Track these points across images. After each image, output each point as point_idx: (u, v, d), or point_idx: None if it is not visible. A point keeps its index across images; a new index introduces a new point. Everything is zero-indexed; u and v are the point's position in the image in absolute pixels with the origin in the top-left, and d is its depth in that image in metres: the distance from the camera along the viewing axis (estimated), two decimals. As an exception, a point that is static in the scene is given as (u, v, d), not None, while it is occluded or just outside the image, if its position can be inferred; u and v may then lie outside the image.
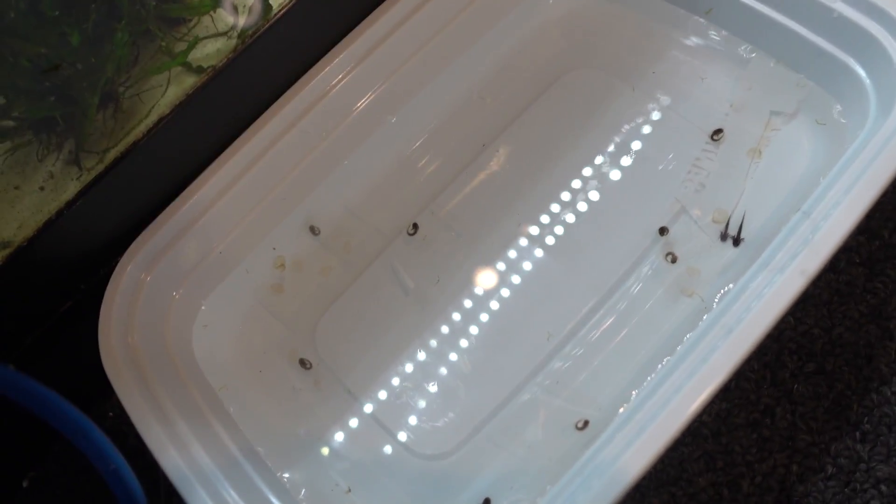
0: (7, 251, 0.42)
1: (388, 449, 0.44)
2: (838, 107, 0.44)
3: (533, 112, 0.51)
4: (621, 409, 0.41)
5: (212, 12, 0.45)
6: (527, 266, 0.47)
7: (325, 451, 0.45)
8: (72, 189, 0.42)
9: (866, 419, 0.42)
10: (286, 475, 0.43)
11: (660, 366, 0.41)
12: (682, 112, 0.49)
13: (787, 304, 0.36)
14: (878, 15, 0.41)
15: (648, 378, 0.41)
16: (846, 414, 0.42)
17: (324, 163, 0.49)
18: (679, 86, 0.50)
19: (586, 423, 0.42)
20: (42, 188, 0.43)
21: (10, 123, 0.41)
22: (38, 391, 0.32)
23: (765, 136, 0.47)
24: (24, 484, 0.51)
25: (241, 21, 0.44)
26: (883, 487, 0.40)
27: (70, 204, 0.42)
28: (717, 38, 0.49)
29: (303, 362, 0.46)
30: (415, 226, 0.49)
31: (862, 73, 0.43)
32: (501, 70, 0.52)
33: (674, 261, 0.45)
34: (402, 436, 0.44)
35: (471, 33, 0.51)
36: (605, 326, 0.44)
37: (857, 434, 0.42)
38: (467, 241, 0.48)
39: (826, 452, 0.42)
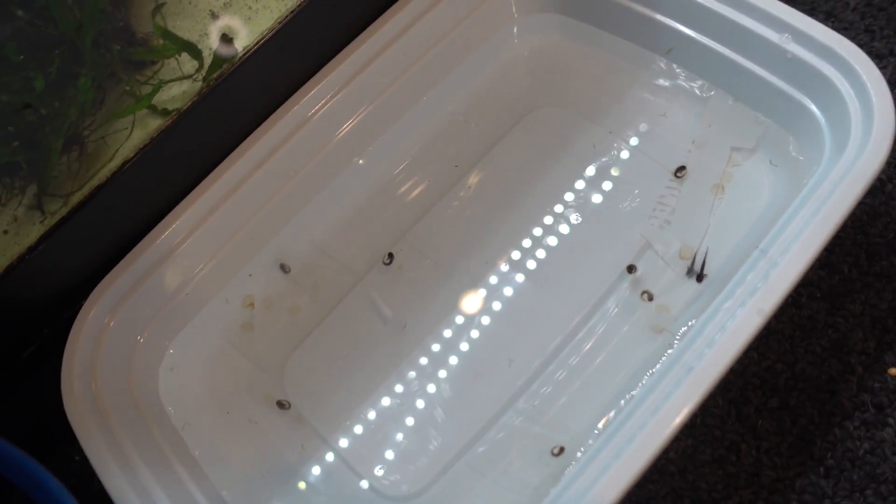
0: (-31, 295, 0.41)
1: (360, 489, 0.44)
2: (795, 143, 0.45)
3: (502, 148, 0.52)
4: (590, 441, 0.41)
5: (177, 56, 0.45)
6: (497, 301, 0.47)
7: (293, 495, 0.44)
8: (35, 233, 0.42)
9: (829, 454, 0.42)
10: (250, 520, 0.43)
11: (623, 401, 0.42)
12: (646, 149, 0.50)
13: (743, 343, 0.36)
14: (831, 56, 0.42)
15: (614, 411, 0.42)
16: (810, 449, 0.42)
17: (292, 201, 0.50)
18: (643, 123, 0.50)
19: (562, 449, 0.42)
20: (6, 232, 0.43)
21: (-28, 169, 0.41)
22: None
23: (727, 171, 0.47)
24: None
25: (206, 64, 0.45)
26: (848, 522, 0.41)
27: (32, 248, 0.42)
28: (678, 77, 0.50)
29: (280, 404, 0.46)
30: (390, 255, 0.49)
31: (816, 111, 0.44)
32: (470, 107, 0.53)
33: (649, 298, 0.45)
34: (378, 472, 0.44)
35: (438, 72, 0.52)
36: (573, 360, 0.44)
37: (821, 469, 0.42)
38: (442, 271, 0.48)
39: (791, 488, 0.42)
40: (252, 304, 0.48)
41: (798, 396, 0.44)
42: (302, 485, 0.44)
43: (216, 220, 0.46)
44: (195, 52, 0.44)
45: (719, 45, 0.47)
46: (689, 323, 0.43)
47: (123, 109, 0.44)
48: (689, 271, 0.45)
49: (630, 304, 0.45)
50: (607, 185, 0.49)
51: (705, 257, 0.45)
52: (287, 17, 0.45)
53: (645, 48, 0.50)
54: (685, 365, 0.37)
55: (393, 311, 0.48)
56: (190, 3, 0.47)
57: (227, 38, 0.45)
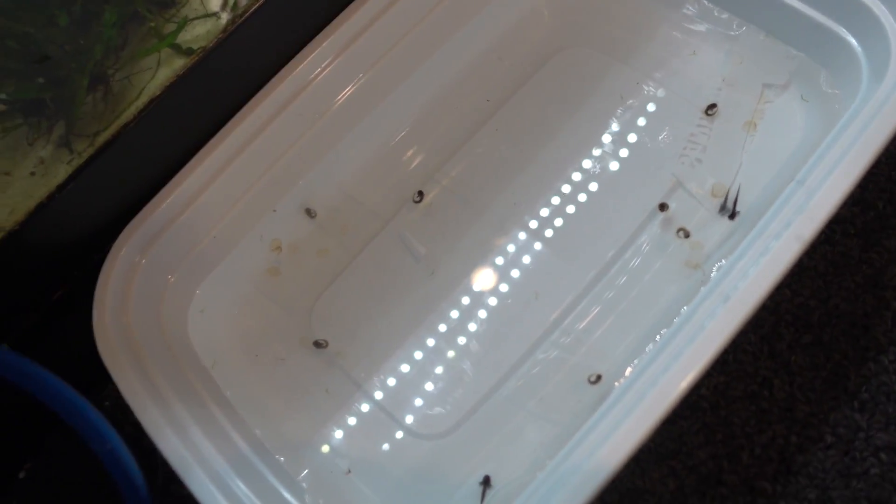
0: (-1, 236, 0.41)
1: (389, 431, 0.44)
2: (829, 77, 0.44)
3: (530, 89, 0.51)
4: (618, 383, 0.41)
5: (200, -8, 0.44)
6: (531, 239, 0.47)
7: (324, 435, 0.44)
8: (63, 173, 0.42)
9: (864, 388, 0.42)
10: (282, 458, 0.43)
11: (659, 335, 0.41)
12: (676, 88, 0.49)
13: (783, 269, 0.36)
14: (870, -17, 0.41)
15: (651, 344, 0.41)
16: (844, 384, 0.42)
17: (317, 145, 0.49)
18: (671, 62, 0.50)
19: (599, 377, 0.42)
20: (33, 173, 0.43)
21: (0, 107, 0.41)
22: (34, 370, 0.32)
23: (758, 108, 0.47)
24: (21, 475, 0.50)
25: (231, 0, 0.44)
26: (882, 455, 0.40)
27: (61, 188, 0.41)
28: (708, 14, 0.49)
29: (318, 343, 0.46)
30: (420, 193, 0.48)
31: (854, 42, 0.43)
32: (493, 50, 0.52)
33: (685, 235, 0.44)
34: (408, 418, 0.44)
35: (464, 13, 0.51)
36: (608, 295, 0.44)
37: (856, 403, 0.42)
38: (473, 210, 0.48)
39: (825, 422, 0.42)
40: (279, 248, 0.48)
41: (831, 332, 0.43)
42: (336, 422, 0.44)
43: (241, 162, 0.46)
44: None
45: (752, -22, 0.46)
46: (723, 259, 0.43)
47: (148, 48, 0.43)
48: (722, 208, 0.45)
49: (663, 241, 0.45)
50: (638, 124, 0.48)
51: (738, 194, 0.45)
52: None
53: (674, -16, 0.49)
54: (721, 295, 0.37)
55: (425, 247, 0.47)
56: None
57: (251, -26, 0.44)
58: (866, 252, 0.45)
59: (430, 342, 0.46)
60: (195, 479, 0.38)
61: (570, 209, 0.47)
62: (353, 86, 0.49)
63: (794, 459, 0.41)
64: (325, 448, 0.44)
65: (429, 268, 0.47)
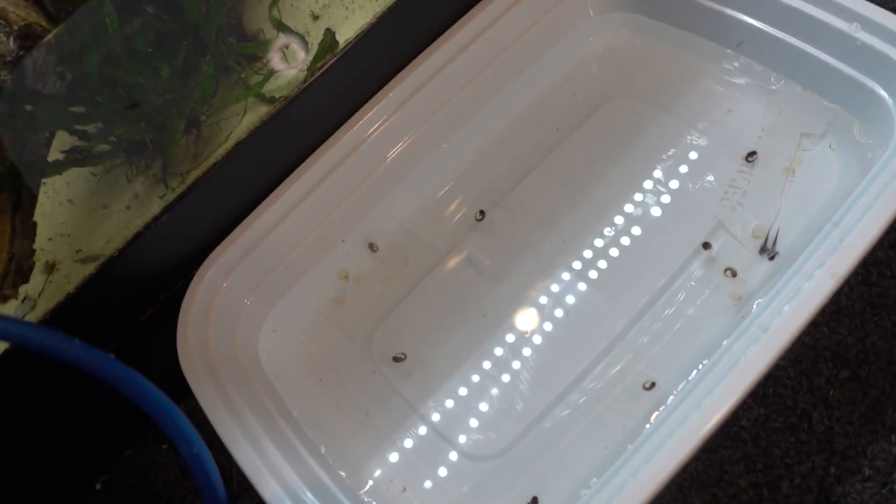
0: (97, 263, 0.46)
1: (442, 452, 0.47)
2: (863, 127, 0.47)
3: (578, 136, 0.54)
4: (655, 414, 0.44)
5: (284, 49, 0.50)
6: (582, 282, 0.50)
7: (382, 454, 0.47)
8: (156, 207, 0.47)
9: (902, 423, 0.43)
10: (343, 473, 0.46)
11: (699, 367, 0.44)
12: (717, 137, 0.52)
13: (818, 305, 0.38)
14: (899, 42, 0.44)
15: (694, 371, 0.44)
16: (882, 418, 0.44)
17: (379, 187, 0.53)
18: (713, 113, 0.53)
19: (653, 383, 0.45)
20: (128, 207, 0.48)
21: (107, 147, 0.46)
22: (132, 377, 0.36)
23: (797, 155, 0.50)
24: (97, 487, 0.54)
25: (310, 56, 0.49)
26: (920, 489, 0.42)
27: (155, 220, 0.46)
28: (748, 68, 0.52)
29: (396, 358, 0.50)
30: (482, 212, 0.53)
31: (885, 95, 0.46)
32: (544, 101, 0.56)
33: (733, 275, 0.47)
34: (461, 440, 0.47)
35: (516, 67, 0.56)
36: (655, 326, 0.47)
37: (893, 438, 0.43)
38: (524, 249, 0.52)
39: (863, 455, 0.43)
40: (346, 277, 0.52)
41: (869, 369, 0.45)
42: (391, 445, 0.47)
43: (313, 199, 0.50)
44: (303, 44, 0.49)
45: (789, 36, 0.49)
46: (762, 297, 0.45)
47: (237, 96, 0.48)
48: (763, 249, 0.47)
49: (706, 279, 0.48)
50: (681, 171, 0.52)
51: (777, 236, 0.47)
52: (382, 14, 0.50)
53: (716, 42, 0.53)
54: (759, 329, 0.39)
55: (482, 275, 0.51)
56: (292, 5, 0.52)
57: (329, 33, 0.49)
58: (902, 293, 0.47)
59: (486, 366, 0.49)
60: (269, 489, 0.41)
61: (614, 252, 0.50)
62: (410, 135, 0.53)
63: (832, 490, 0.43)
64: (383, 466, 0.47)
65: (484, 296, 0.50)
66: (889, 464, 0.43)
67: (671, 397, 0.44)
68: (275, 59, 0.50)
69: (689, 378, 0.44)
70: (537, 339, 0.49)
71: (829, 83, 0.48)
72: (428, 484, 0.46)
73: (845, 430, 0.44)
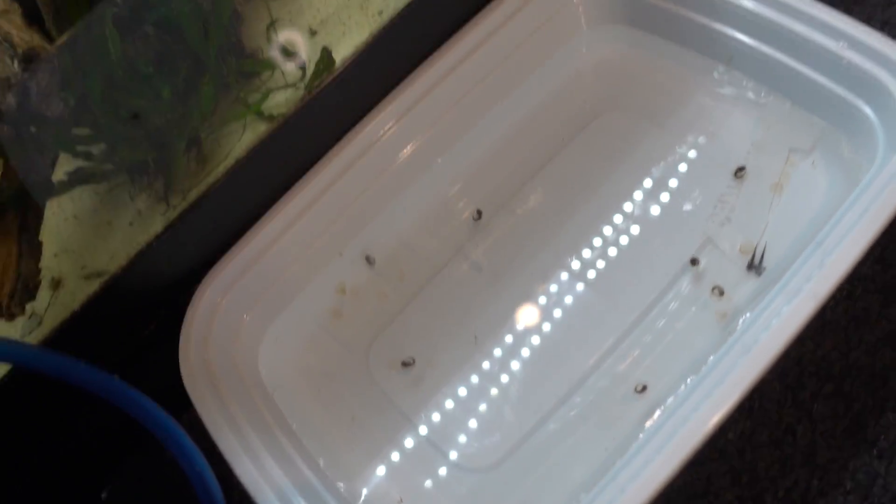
0: (101, 279, 0.47)
1: (435, 464, 0.48)
2: (850, 144, 0.48)
3: (570, 150, 0.55)
4: (644, 428, 0.45)
5: (282, 66, 0.51)
6: (569, 295, 0.51)
7: (378, 465, 0.48)
8: (159, 224, 0.48)
9: (883, 437, 0.45)
10: (341, 484, 0.48)
11: (686, 383, 0.45)
12: (707, 151, 0.53)
13: (799, 325, 0.39)
14: (885, 61, 0.45)
15: (683, 385, 0.45)
16: (863, 432, 0.45)
17: (378, 200, 0.54)
18: (704, 127, 0.54)
19: (644, 387, 0.46)
20: (131, 224, 0.49)
21: (110, 167, 0.48)
22: (135, 397, 0.38)
23: (785, 171, 0.50)
24: (103, 496, 0.56)
25: (308, 74, 0.50)
26: (900, 501, 0.43)
27: (158, 237, 0.47)
28: (738, 84, 0.53)
29: (404, 363, 0.51)
30: (479, 212, 0.54)
31: (871, 114, 0.46)
32: (538, 114, 0.57)
33: (720, 294, 0.48)
34: (453, 453, 0.48)
35: (509, 81, 0.56)
36: (643, 341, 0.48)
37: (875, 451, 0.44)
38: (515, 258, 0.53)
39: (845, 469, 0.44)
40: (343, 291, 0.53)
41: (852, 383, 0.46)
42: (386, 457, 0.49)
43: (311, 215, 0.52)
44: (301, 62, 0.50)
45: (778, 53, 0.50)
46: (749, 313, 0.46)
47: (237, 114, 0.49)
48: (750, 266, 0.48)
49: (692, 295, 0.49)
50: (669, 185, 0.53)
51: (764, 252, 0.48)
52: (378, 31, 0.51)
53: (707, 56, 0.54)
54: (744, 346, 0.40)
55: (476, 285, 0.52)
56: (291, 21, 0.53)
57: (326, 51, 0.50)
58: (886, 308, 0.48)
59: (475, 380, 0.50)
60: (268, 502, 0.42)
61: (601, 264, 0.51)
62: (412, 145, 0.54)
63: (815, 503, 0.44)
64: (380, 477, 0.48)
65: (476, 315, 0.51)
66: (870, 477, 0.44)
67: (658, 411, 0.45)
68: (273, 77, 0.51)
69: (678, 392, 0.45)
70: (525, 353, 0.50)
71: (817, 100, 0.49)
72: (424, 494, 0.48)
73: (828, 443, 0.45)
